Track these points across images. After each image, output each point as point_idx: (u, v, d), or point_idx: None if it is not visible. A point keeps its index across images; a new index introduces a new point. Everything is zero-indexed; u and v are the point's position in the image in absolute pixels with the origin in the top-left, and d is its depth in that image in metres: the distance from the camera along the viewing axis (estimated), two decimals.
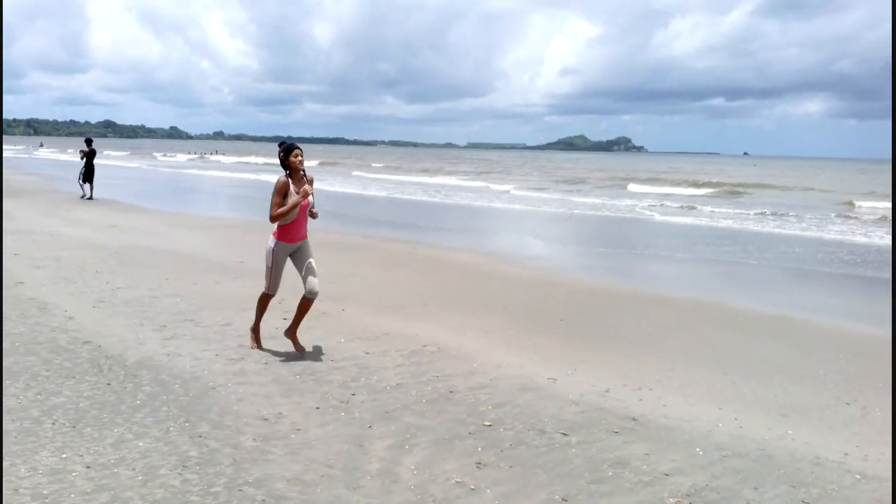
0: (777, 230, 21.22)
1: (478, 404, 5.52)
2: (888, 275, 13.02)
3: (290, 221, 6.45)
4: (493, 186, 41.89)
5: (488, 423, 5.11)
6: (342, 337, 7.38)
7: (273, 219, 6.36)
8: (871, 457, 4.79)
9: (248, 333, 7.05)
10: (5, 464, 4.14)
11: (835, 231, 21.03)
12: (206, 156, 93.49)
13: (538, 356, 6.95)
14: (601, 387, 6.02)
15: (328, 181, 41.86)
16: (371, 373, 6.24)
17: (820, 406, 5.85)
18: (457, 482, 4.17)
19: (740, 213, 26.32)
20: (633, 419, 5.28)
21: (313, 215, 6.59)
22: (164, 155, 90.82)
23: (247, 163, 73.26)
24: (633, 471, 4.37)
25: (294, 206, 6.33)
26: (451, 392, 5.78)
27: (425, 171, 61.13)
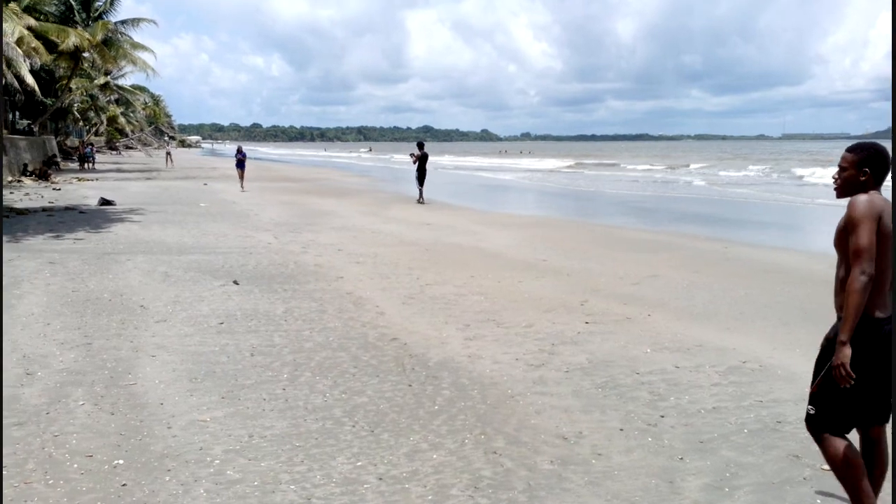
0: None
1: (813, 441, 4.61)
2: None
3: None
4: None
5: (827, 468, 4.21)
6: (648, 346, 6.76)
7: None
8: None
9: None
10: (303, 468, 4.17)
11: None
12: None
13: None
14: None
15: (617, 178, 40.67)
16: (682, 391, 5.57)
17: None
18: None
19: None
20: None
21: None
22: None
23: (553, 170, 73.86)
24: None
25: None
26: (779, 422, 4.93)
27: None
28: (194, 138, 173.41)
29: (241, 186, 28.22)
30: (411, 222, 17.44)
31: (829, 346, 3.37)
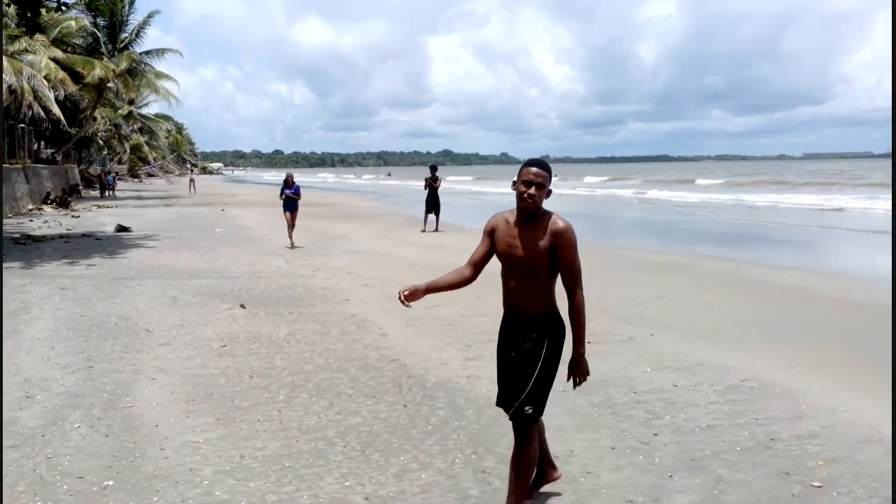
0: None
1: (805, 458, 4.58)
2: None
3: None
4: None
5: (817, 484, 4.18)
6: (648, 366, 6.74)
7: None
8: None
9: None
10: (290, 488, 4.19)
11: None
12: None
13: (888, 400, 5.71)
14: None
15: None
16: (678, 410, 5.54)
17: None
18: None
19: None
20: None
21: None
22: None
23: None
24: None
25: None
26: (773, 440, 4.89)
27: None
28: (216, 165, 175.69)
29: (290, 239, 17.13)
30: (423, 245, 17.49)
31: (516, 355, 3.81)
